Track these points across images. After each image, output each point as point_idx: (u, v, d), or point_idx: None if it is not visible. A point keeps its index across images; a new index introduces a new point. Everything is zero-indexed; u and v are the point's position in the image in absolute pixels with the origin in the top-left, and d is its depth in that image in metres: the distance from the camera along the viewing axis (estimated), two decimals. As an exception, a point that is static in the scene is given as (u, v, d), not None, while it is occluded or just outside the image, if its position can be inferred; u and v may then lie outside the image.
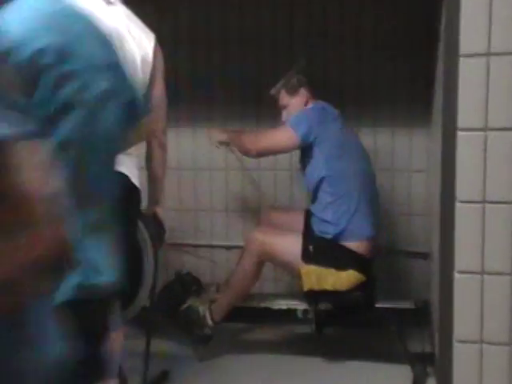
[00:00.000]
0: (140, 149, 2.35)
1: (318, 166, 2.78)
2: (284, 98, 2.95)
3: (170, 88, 2.41)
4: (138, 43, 2.27)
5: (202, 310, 2.92)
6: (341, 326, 3.13)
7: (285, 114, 2.95)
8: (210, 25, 3.39)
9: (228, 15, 3.37)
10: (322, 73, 3.21)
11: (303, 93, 2.92)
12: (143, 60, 2.27)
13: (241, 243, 3.30)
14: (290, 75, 2.93)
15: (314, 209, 2.84)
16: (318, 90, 2.98)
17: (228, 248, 3.49)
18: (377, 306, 2.87)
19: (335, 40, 3.26)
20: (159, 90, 2.38)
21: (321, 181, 2.77)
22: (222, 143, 3.02)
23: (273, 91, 2.97)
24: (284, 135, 2.85)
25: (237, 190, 3.49)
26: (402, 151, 3.29)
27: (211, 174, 3.50)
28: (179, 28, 3.41)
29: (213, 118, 3.44)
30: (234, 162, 3.33)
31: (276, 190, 3.42)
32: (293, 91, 2.92)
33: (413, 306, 2.94)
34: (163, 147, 2.46)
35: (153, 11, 3.15)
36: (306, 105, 2.91)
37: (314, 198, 2.84)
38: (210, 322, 2.90)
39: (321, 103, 2.90)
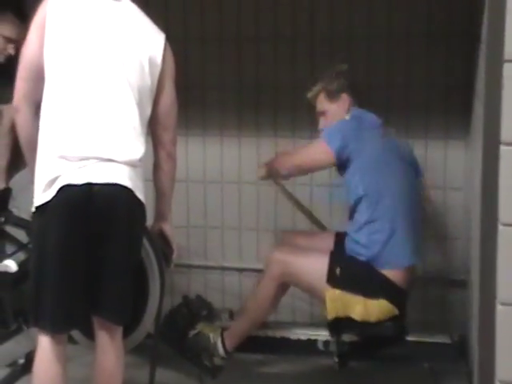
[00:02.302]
0: (146, 160, 2.37)
1: (354, 183, 2.76)
2: (322, 104, 2.95)
3: (179, 92, 2.44)
4: (146, 43, 2.32)
5: (213, 337, 2.93)
6: (367, 360, 3.11)
7: (322, 122, 2.96)
8: (223, 21, 3.41)
9: (243, 11, 3.39)
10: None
11: (345, 98, 2.92)
12: (151, 62, 2.32)
13: (255, 265, 3.33)
14: (329, 78, 2.93)
15: (349, 228, 2.83)
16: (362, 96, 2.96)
17: (241, 270, 3.49)
18: (408, 339, 2.85)
19: (362, 40, 3.27)
20: (169, 96, 2.42)
21: (359, 200, 2.75)
22: (263, 178, 3.04)
23: (309, 95, 2.97)
24: (317, 150, 2.85)
25: (251, 205, 3.50)
26: (436, 166, 3.28)
27: (223, 187, 3.51)
28: (189, 25, 3.43)
29: (226, 125, 3.46)
30: (247, 174, 3.33)
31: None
32: (333, 96, 2.92)
33: (448, 341, 2.93)
34: (172, 158, 2.50)
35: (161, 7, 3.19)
36: (347, 112, 2.90)
37: (350, 216, 2.84)
38: (221, 351, 2.90)
39: (359, 111, 2.89)
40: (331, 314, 2.71)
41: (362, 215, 2.75)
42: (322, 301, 2.75)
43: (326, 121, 2.94)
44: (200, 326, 2.99)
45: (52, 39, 2.26)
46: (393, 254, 2.72)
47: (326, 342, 2.90)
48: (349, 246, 2.81)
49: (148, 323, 2.54)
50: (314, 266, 2.77)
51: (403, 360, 2.97)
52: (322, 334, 2.91)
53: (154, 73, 2.34)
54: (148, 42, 2.33)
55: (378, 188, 2.74)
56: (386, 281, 2.72)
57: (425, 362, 2.84)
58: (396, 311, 2.71)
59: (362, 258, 2.74)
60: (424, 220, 3.00)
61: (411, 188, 2.85)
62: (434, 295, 3.29)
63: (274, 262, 2.83)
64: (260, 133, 3.44)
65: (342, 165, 2.81)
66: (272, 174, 3.01)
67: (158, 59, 2.34)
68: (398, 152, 2.88)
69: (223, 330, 2.95)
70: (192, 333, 2.97)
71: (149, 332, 2.59)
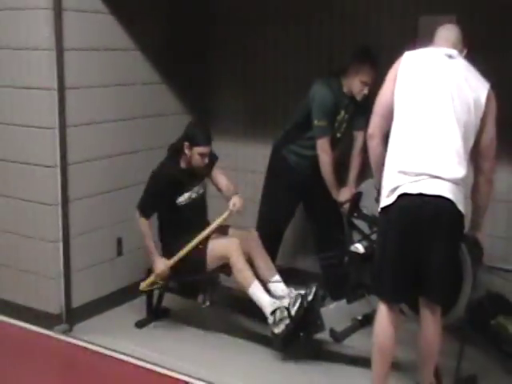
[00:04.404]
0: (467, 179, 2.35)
1: None
2: None
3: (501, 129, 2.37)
4: (472, 89, 2.34)
5: (511, 329, 2.80)
6: None
7: None
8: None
9: None
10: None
11: None
12: (476, 105, 2.32)
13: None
14: None
15: None
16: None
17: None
18: None
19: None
20: (489, 133, 2.39)
21: None
22: None
23: None
24: None
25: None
26: None
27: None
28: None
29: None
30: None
31: None
32: None
33: None
34: (489, 183, 2.46)
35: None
36: None
37: None
38: None
39: None
40: None
41: None
42: None
43: None
44: (500, 318, 2.88)
45: (400, 88, 2.39)
46: None
47: None
48: None
49: (460, 308, 2.51)
50: None
51: None
52: None
53: (478, 114, 2.34)
54: (474, 89, 2.33)
55: None
56: None
57: None
58: None
59: None
60: None
61: None
62: None
63: None
64: None
65: None
66: None
67: (482, 104, 2.33)
68: None
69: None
70: (493, 322, 2.87)
71: (460, 315, 2.54)
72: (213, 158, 3.25)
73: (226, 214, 3.15)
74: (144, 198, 3.22)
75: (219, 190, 3.30)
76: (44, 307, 3.27)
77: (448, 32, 2.46)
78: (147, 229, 3.20)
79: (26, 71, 3.13)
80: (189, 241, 3.13)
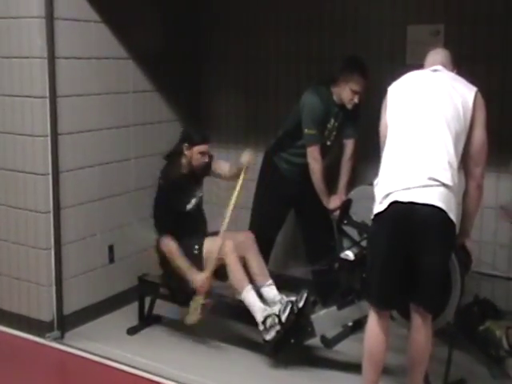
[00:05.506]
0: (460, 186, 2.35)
1: None
2: None
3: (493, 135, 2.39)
4: (460, 95, 2.38)
5: (499, 333, 2.85)
6: None
7: None
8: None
9: None
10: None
11: None
12: (464, 107, 2.36)
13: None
14: None
15: None
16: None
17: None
18: None
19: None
20: (479, 136, 2.41)
21: None
22: None
23: None
24: None
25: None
26: None
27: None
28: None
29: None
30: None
31: None
32: None
33: None
34: (480, 189, 2.46)
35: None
36: None
37: None
38: (505, 345, 2.82)
39: None
40: None
41: None
42: None
43: None
44: (488, 323, 2.89)
45: (392, 107, 2.44)
46: None
47: None
48: None
49: (449, 314, 2.53)
50: None
51: None
52: None
53: (467, 117, 2.36)
54: (461, 94, 2.37)
55: None
56: None
57: None
58: None
59: None
60: None
61: None
62: None
63: None
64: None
65: None
66: None
67: (470, 106, 2.36)
68: None
69: (508, 328, 2.83)
70: (481, 327, 2.88)
71: (449, 320, 2.56)
72: (210, 158, 3.27)
73: (242, 174, 3.13)
74: (160, 218, 3.10)
75: (224, 176, 3.28)
76: (36, 314, 3.27)
77: (436, 55, 2.55)
78: (176, 249, 3.06)
79: (18, 79, 3.14)
80: (191, 244, 3.10)
